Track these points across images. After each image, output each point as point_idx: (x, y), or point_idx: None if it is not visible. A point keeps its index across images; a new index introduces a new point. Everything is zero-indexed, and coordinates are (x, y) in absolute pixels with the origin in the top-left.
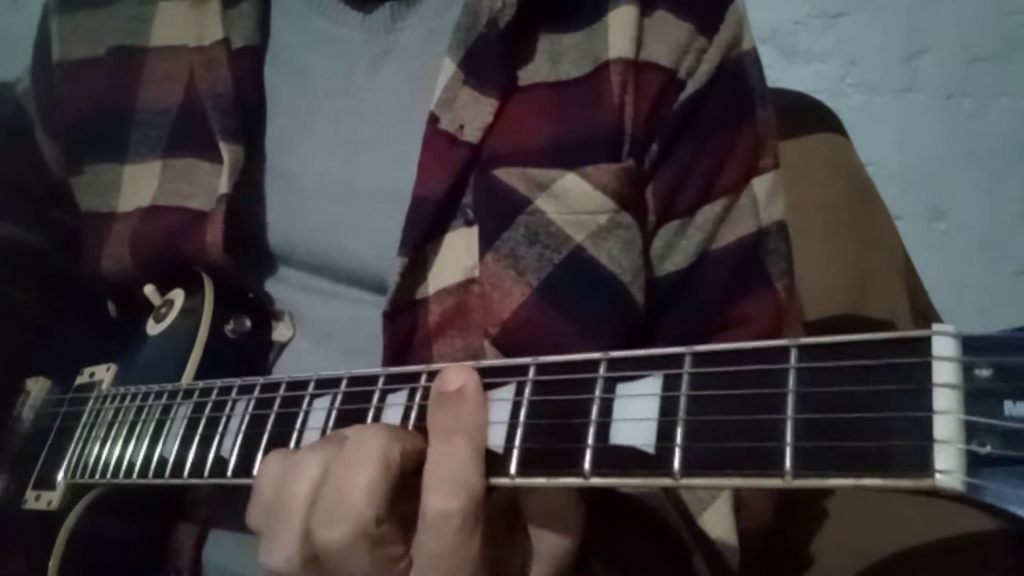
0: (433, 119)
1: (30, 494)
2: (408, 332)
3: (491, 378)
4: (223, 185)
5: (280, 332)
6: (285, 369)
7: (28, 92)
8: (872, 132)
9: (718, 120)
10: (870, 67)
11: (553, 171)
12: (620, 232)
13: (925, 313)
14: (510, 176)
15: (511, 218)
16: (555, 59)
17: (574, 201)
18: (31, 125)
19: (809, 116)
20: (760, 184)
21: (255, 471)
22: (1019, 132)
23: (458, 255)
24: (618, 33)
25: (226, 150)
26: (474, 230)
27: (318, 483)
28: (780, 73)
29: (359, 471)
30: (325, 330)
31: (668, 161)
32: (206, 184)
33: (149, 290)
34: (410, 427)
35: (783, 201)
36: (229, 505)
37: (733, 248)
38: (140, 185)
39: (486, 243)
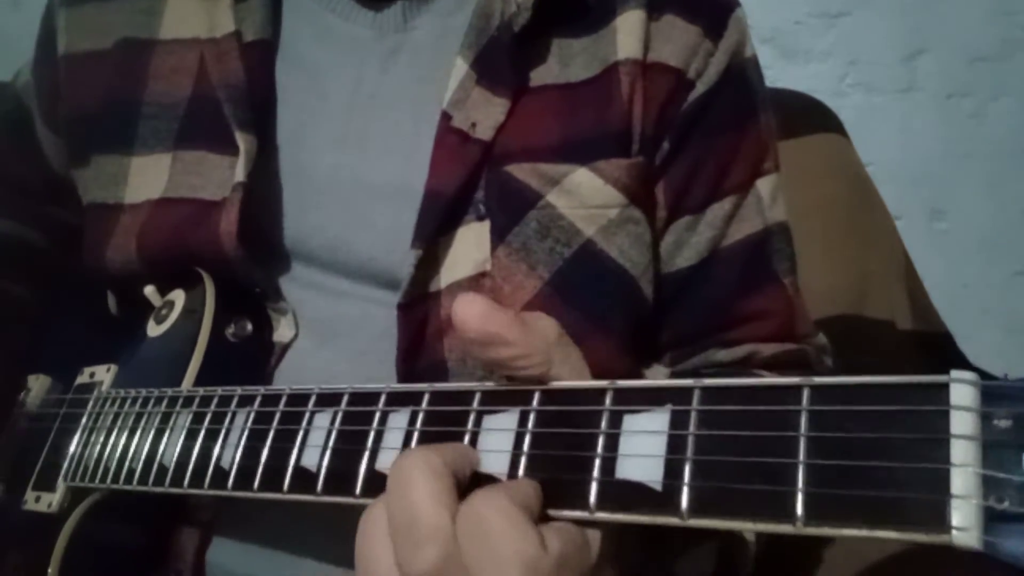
0: (445, 117)
1: (30, 495)
2: (421, 325)
3: (493, 404)
4: (239, 174)
5: (282, 332)
6: (288, 370)
7: (29, 86)
8: (872, 132)
9: (726, 121)
10: (870, 67)
11: (564, 166)
12: (630, 227)
13: (925, 313)
14: (522, 172)
15: (523, 213)
16: (565, 62)
17: (585, 195)
18: (32, 119)
19: (809, 116)
20: (764, 185)
21: (255, 485)
22: (1019, 132)
23: (470, 249)
24: (626, 36)
25: (242, 139)
26: (486, 224)
27: (386, 528)
28: (780, 73)
29: (412, 489)
30: (331, 329)
31: (678, 159)
32: (217, 176)
33: (149, 291)
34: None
35: (784, 203)
36: (233, 509)
37: (742, 245)
38: (148, 177)
39: (498, 237)
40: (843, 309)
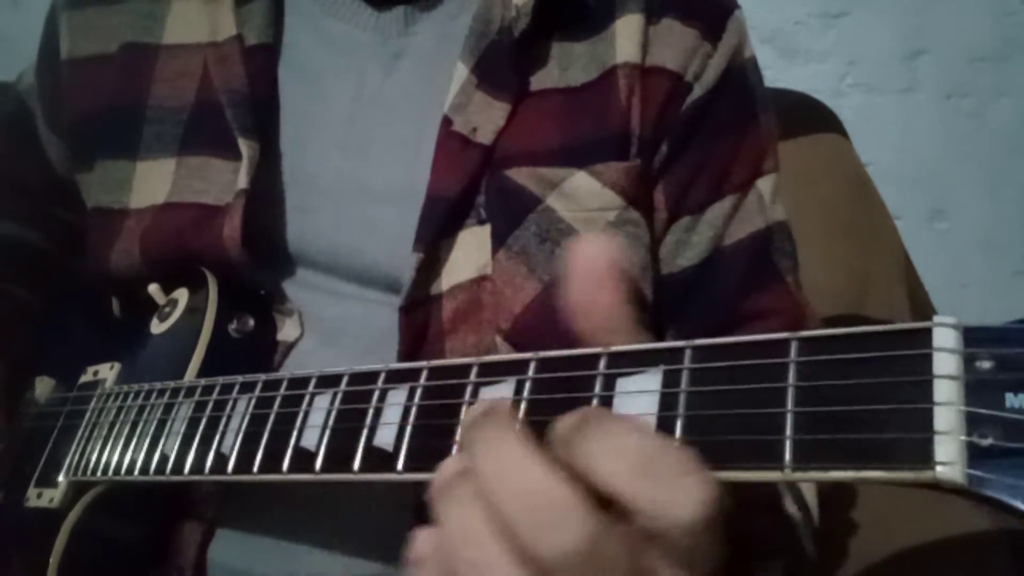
0: (447, 121)
1: (32, 492)
2: (422, 328)
3: (490, 375)
4: (241, 180)
5: (287, 331)
6: (292, 369)
7: (32, 89)
8: (872, 132)
9: (725, 122)
10: (870, 67)
11: (563, 170)
12: (628, 229)
13: (925, 313)
14: (521, 176)
15: (522, 216)
16: (565, 66)
17: (584, 198)
18: (34, 122)
19: (809, 116)
20: (764, 184)
21: (255, 467)
22: (1019, 132)
23: (471, 253)
24: (625, 40)
25: (244, 145)
26: (486, 228)
27: (496, 518)
28: (780, 73)
29: (519, 470)
30: (336, 329)
31: (678, 161)
32: (220, 181)
33: (153, 289)
34: (408, 426)
35: (784, 203)
36: (235, 504)
37: (744, 244)
38: (153, 182)
39: (498, 241)
40: (843, 309)
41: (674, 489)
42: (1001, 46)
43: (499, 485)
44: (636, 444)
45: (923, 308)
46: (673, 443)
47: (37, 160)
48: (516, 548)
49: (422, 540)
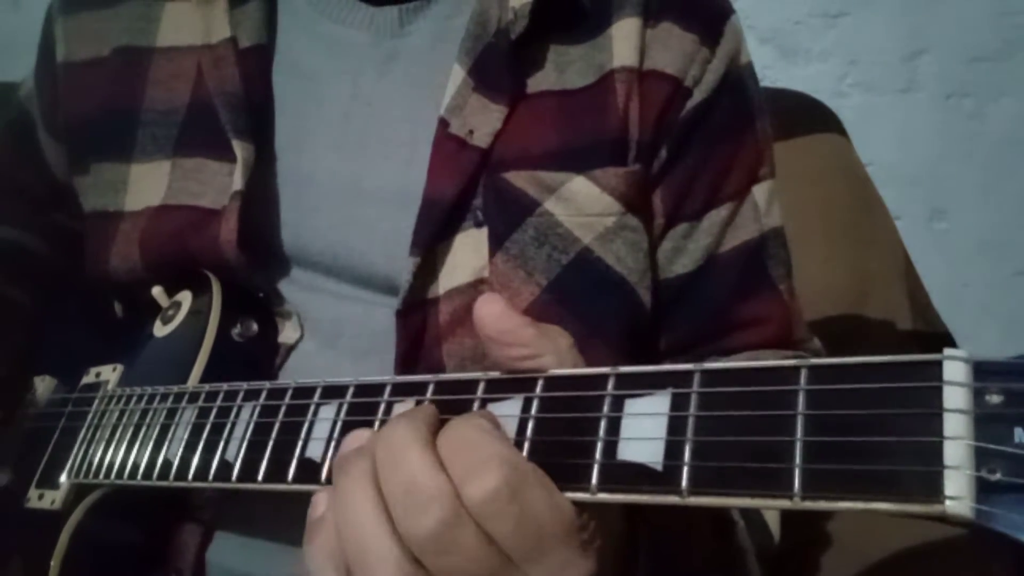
0: (443, 124)
1: (33, 493)
2: (419, 331)
3: (498, 392)
4: (236, 182)
5: (287, 334)
6: (292, 371)
7: (32, 94)
8: (872, 132)
9: (723, 128)
10: (870, 67)
11: (562, 174)
12: (627, 234)
13: (925, 313)
14: (519, 179)
15: (520, 220)
16: (562, 69)
17: (582, 203)
18: (34, 127)
19: (809, 116)
20: (760, 191)
21: (260, 476)
22: (1019, 132)
23: (468, 256)
24: (622, 43)
25: (239, 147)
26: (484, 231)
27: (378, 497)
28: (780, 73)
29: (406, 458)
30: (334, 331)
31: (677, 166)
32: (216, 183)
33: (157, 292)
34: None
35: (780, 208)
36: (234, 507)
37: (738, 252)
38: (148, 184)
39: (496, 244)
40: (843, 309)
41: (471, 469)
42: (1001, 46)
43: (386, 469)
44: (469, 432)
45: (923, 308)
46: (520, 455)
47: (37, 165)
48: (390, 523)
49: (320, 501)
